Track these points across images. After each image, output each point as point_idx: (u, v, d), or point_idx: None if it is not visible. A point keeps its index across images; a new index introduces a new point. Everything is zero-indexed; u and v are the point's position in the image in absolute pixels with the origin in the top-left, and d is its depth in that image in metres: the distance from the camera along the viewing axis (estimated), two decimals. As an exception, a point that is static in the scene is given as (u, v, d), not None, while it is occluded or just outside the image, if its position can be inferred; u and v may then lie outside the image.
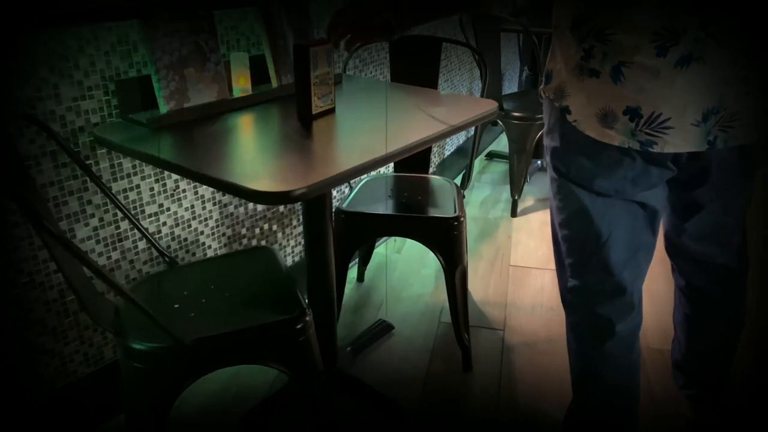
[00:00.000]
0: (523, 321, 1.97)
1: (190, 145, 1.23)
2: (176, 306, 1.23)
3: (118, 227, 1.43)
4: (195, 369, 1.14)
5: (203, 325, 1.17)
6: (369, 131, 1.30)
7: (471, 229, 2.63)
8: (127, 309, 1.23)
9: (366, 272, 2.20)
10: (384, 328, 1.87)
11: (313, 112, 1.33)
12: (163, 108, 1.31)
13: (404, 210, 1.67)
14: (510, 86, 4.09)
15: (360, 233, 1.68)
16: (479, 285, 2.18)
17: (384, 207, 1.68)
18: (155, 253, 1.53)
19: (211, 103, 1.39)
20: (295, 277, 1.31)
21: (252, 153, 1.22)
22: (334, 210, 1.69)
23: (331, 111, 1.39)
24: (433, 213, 1.64)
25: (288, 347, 1.18)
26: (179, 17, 1.31)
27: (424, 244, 1.64)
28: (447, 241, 1.60)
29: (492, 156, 3.58)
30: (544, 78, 1.14)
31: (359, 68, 2.11)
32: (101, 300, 1.24)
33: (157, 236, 1.53)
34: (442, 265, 1.62)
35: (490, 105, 1.44)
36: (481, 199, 2.98)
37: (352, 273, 2.21)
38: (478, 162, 3.50)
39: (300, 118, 1.34)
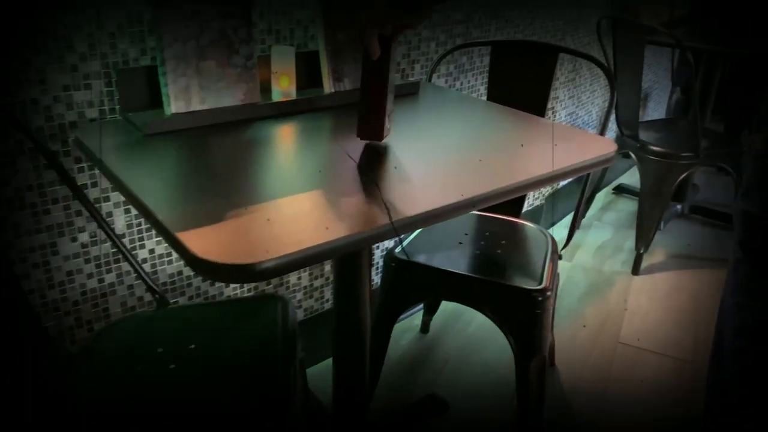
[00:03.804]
0: (624, 424, 1.49)
1: (179, 164, 0.94)
2: (138, 368, 0.95)
3: (115, 245, 1.18)
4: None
5: (152, 408, 0.87)
6: (419, 172, 0.93)
7: (578, 282, 2.15)
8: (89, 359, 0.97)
9: (432, 322, 1.82)
10: (435, 406, 1.49)
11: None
12: (168, 109, 1.04)
13: (474, 267, 1.27)
14: (655, 110, 3.47)
15: (411, 290, 1.31)
16: (573, 361, 1.72)
17: (449, 258, 1.29)
18: (160, 279, 1.27)
19: (234, 107, 1.09)
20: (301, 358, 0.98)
21: (253, 187, 0.90)
22: (386, 252, 1.34)
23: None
24: (510, 279, 1.23)
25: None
26: (199, -5, 1.03)
27: (492, 321, 1.23)
28: (523, 321, 1.18)
29: (621, 190, 3.01)
30: (755, 122, 0.74)
31: (453, 76, 1.73)
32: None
33: (166, 260, 1.27)
34: (513, 351, 1.21)
35: (607, 148, 1.01)
36: (599, 243, 2.47)
37: (416, 319, 1.84)
38: (603, 195, 2.96)
39: (366, 137, 0.97)
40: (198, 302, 1.34)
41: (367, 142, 0.99)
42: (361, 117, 0.96)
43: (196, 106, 1.06)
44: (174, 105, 1.03)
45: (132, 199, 0.79)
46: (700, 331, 1.88)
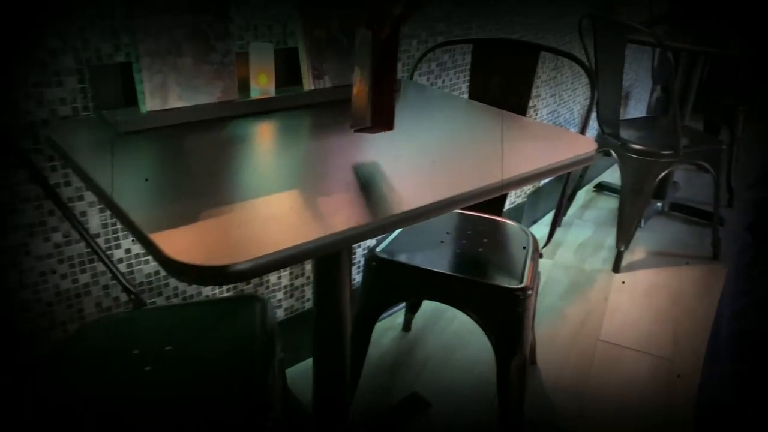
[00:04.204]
0: (605, 422, 1.50)
1: (154, 162, 0.92)
2: (113, 370, 0.93)
3: (89, 245, 1.16)
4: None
5: (127, 411, 0.86)
6: (400, 170, 0.92)
7: (559, 280, 2.16)
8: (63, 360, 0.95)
9: (414, 320, 1.82)
10: (416, 405, 1.48)
11: (355, 128, 0.93)
12: (143, 106, 1.02)
13: (456, 267, 1.27)
14: (636, 108, 3.50)
15: (392, 290, 1.30)
16: (554, 359, 1.73)
17: (431, 258, 1.29)
18: (137, 279, 1.25)
19: (210, 105, 1.08)
20: (280, 362, 0.97)
21: (230, 187, 0.88)
22: (368, 250, 1.33)
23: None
24: (492, 278, 1.22)
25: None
26: (174, -10, 1.01)
27: (473, 320, 1.23)
28: (504, 320, 1.18)
29: (602, 188, 3.03)
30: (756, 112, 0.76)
31: (435, 74, 1.72)
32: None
33: (143, 260, 1.25)
34: (494, 350, 1.21)
35: (587, 146, 1.01)
36: (580, 241, 2.48)
37: (398, 318, 1.84)
38: (584, 193, 2.98)
39: (379, 126, 0.90)
40: (175, 302, 1.32)
41: (347, 140, 0.97)
42: (374, 105, 0.87)
43: (173, 103, 1.04)
44: (149, 102, 1.01)
45: (105, 198, 0.77)
46: (680, 328, 1.90)
